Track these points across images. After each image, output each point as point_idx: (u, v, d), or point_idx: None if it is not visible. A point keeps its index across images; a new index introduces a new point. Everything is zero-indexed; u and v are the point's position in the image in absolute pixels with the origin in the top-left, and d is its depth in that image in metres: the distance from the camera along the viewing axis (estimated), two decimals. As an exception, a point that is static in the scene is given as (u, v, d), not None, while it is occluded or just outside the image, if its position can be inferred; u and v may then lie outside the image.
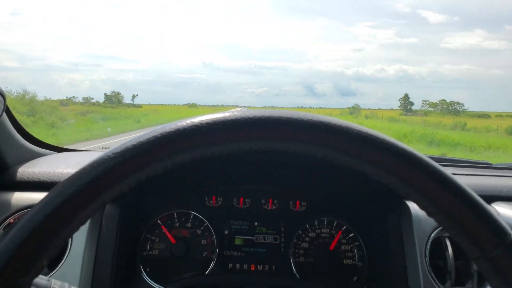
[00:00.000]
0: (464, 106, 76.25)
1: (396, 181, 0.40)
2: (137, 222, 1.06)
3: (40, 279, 0.45)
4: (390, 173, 0.40)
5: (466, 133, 22.30)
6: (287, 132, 0.40)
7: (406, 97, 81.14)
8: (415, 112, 72.20)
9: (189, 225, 1.08)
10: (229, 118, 0.40)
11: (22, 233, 0.36)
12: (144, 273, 1.04)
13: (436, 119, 34.23)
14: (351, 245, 1.07)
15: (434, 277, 0.87)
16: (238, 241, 1.08)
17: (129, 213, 0.99)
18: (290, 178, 1.08)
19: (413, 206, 0.93)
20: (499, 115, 76.88)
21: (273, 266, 1.07)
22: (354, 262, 1.06)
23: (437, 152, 11.86)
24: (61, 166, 1.06)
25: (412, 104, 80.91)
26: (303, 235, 1.08)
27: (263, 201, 1.11)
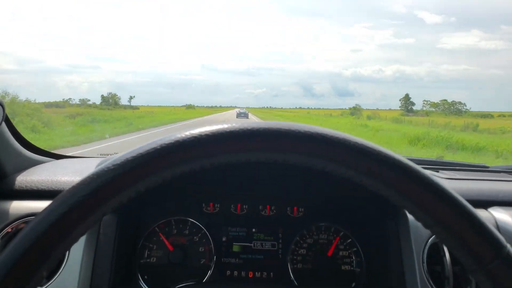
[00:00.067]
0: (466, 106, 74.95)
1: (393, 194, 0.41)
2: (135, 230, 1.04)
3: None
4: (387, 186, 0.40)
5: (481, 135, 20.90)
6: (286, 144, 0.40)
7: (407, 97, 79.96)
8: (416, 112, 71.03)
9: (187, 232, 1.07)
10: (228, 130, 0.40)
11: (24, 243, 0.36)
12: (141, 280, 1.03)
13: (444, 120, 32.80)
14: (349, 251, 1.06)
15: (432, 283, 0.88)
16: (236, 248, 1.07)
17: (127, 221, 0.98)
18: (288, 183, 1.08)
19: None
20: (501, 115, 75.94)
21: (271, 273, 1.06)
22: (352, 268, 1.05)
23: (457, 158, 10.62)
24: (59, 174, 1.05)
25: (413, 104, 79.80)
26: (301, 241, 1.07)
27: (260, 207, 1.11)
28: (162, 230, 1.06)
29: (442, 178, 1.15)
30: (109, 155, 1.37)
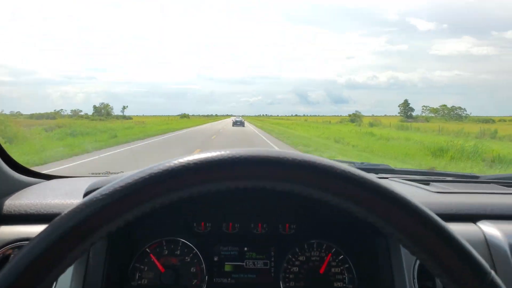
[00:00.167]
0: (466, 111, 73.26)
1: (380, 221, 0.41)
2: (125, 252, 1.03)
3: None
4: (373, 213, 0.41)
5: (506, 143, 18.72)
6: (273, 172, 0.40)
7: (406, 103, 78.30)
8: (415, 118, 69.23)
9: (178, 252, 1.06)
10: (217, 158, 0.40)
11: (10, 276, 0.36)
12: None
13: (455, 126, 30.64)
14: (341, 268, 1.06)
15: None
16: (228, 267, 1.06)
17: (117, 244, 0.97)
18: (279, 201, 1.07)
19: None
20: (502, 120, 74.44)
21: None
22: (344, 285, 1.05)
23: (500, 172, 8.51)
24: (49, 197, 1.03)
25: (412, 110, 78.05)
26: (293, 259, 1.07)
27: (252, 225, 1.10)
28: (153, 251, 1.04)
29: (432, 192, 1.13)
30: (101, 174, 1.39)
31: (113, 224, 0.40)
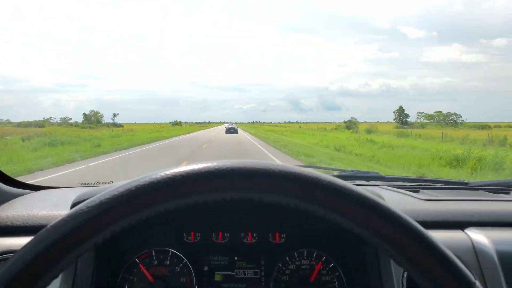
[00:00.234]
0: (461, 117, 72.61)
1: (364, 232, 0.42)
2: (114, 262, 1.02)
3: None
4: (357, 224, 0.42)
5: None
6: (259, 184, 0.41)
7: (401, 109, 77.47)
8: (411, 125, 68.41)
9: (168, 262, 1.05)
10: (202, 170, 0.40)
11: None
12: None
13: (461, 133, 29.37)
14: (331, 276, 1.06)
15: None
16: (218, 277, 1.05)
17: (106, 254, 0.97)
18: (268, 210, 1.06)
19: None
20: (497, 125, 74.03)
21: None
22: None
23: None
24: (36, 208, 1.02)
25: (407, 116, 77.26)
26: (283, 268, 1.06)
27: (242, 234, 1.09)
28: (143, 261, 1.03)
29: (421, 200, 1.13)
30: (90, 184, 1.37)
31: (99, 236, 0.39)
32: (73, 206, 0.86)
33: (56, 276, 0.39)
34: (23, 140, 20.37)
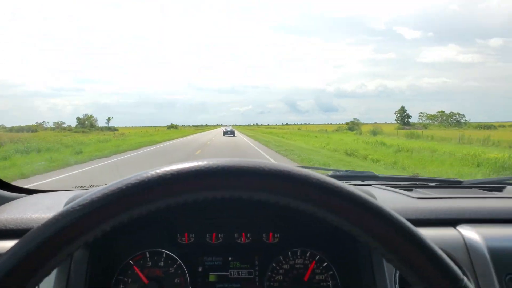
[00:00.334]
0: (465, 117, 70.62)
1: (355, 229, 0.42)
2: (108, 264, 1.02)
3: None
4: (348, 222, 0.42)
5: None
6: (249, 182, 0.41)
7: (402, 109, 75.49)
8: (413, 125, 66.40)
9: (162, 264, 1.04)
10: (193, 169, 0.41)
11: None
12: None
13: (481, 134, 27.12)
14: (325, 275, 1.06)
15: None
16: (212, 277, 1.05)
17: (99, 256, 0.97)
18: (262, 210, 1.07)
19: None
20: (501, 125, 72.29)
21: None
22: None
23: None
24: (29, 211, 1.02)
25: (409, 117, 75.25)
26: (277, 268, 1.07)
27: (236, 235, 1.09)
28: (137, 263, 1.03)
29: (413, 198, 1.14)
30: (84, 187, 1.35)
31: (90, 234, 0.40)
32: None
33: (48, 274, 0.39)
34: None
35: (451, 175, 10.12)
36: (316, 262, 1.06)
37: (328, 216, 0.42)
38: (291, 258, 1.07)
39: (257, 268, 1.06)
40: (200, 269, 1.05)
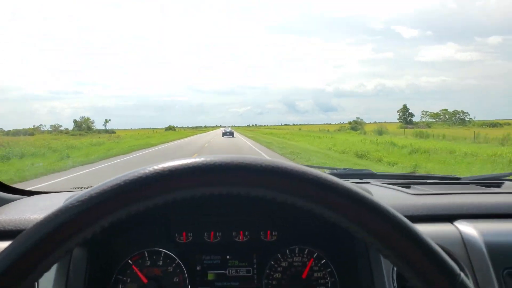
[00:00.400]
0: (469, 115, 69.20)
1: (351, 225, 0.42)
2: (107, 263, 1.03)
3: None
4: (345, 218, 0.42)
5: None
6: (246, 178, 0.41)
7: (405, 108, 74.11)
8: (416, 124, 65.02)
9: (161, 263, 1.05)
10: (191, 165, 0.41)
11: None
12: None
13: (498, 132, 25.64)
14: (323, 272, 1.06)
15: None
16: (210, 276, 1.06)
17: (98, 255, 0.98)
18: (259, 208, 1.08)
19: None
20: (507, 123, 71.02)
21: None
22: None
23: None
24: (28, 212, 1.02)
25: (412, 115, 73.86)
26: (276, 265, 1.07)
27: (234, 233, 1.10)
28: (136, 262, 1.04)
29: (410, 194, 1.13)
30: (83, 188, 1.36)
31: (89, 230, 0.40)
32: None
33: (47, 270, 0.40)
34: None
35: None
36: (314, 259, 1.06)
37: (325, 212, 0.42)
38: (289, 256, 1.07)
39: (255, 266, 1.06)
40: (198, 268, 1.05)
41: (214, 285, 1.04)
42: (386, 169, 11.80)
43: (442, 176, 1.50)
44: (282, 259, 1.06)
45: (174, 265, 1.03)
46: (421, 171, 10.59)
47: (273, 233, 1.09)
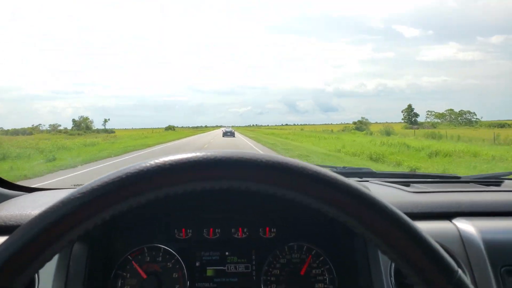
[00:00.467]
0: (476, 115, 67.62)
1: (350, 220, 0.43)
2: (107, 259, 1.04)
3: None
4: (343, 213, 0.42)
5: None
6: (247, 173, 0.42)
7: (409, 108, 72.51)
8: (421, 124, 63.49)
9: (160, 259, 1.06)
10: (191, 159, 0.42)
11: None
12: None
13: (508, 133, 24.11)
14: (322, 269, 1.07)
15: None
16: (209, 272, 1.07)
17: (98, 251, 0.99)
18: (258, 205, 1.08)
19: None
20: (513, 124, 69.44)
21: None
22: (325, 286, 1.06)
23: None
24: (28, 208, 1.03)
25: (416, 115, 72.29)
26: (274, 262, 1.07)
27: (233, 230, 1.10)
28: (135, 258, 1.05)
29: (409, 192, 1.13)
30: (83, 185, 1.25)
31: (90, 222, 0.40)
32: None
33: (48, 259, 0.40)
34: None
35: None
36: (312, 256, 1.07)
37: (323, 207, 0.42)
38: (287, 253, 1.07)
39: (254, 263, 1.07)
40: (197, 264, 1.06)
41: (213, 281, 1.05)
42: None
43: (442, 175, 1.53)
44: (280, 256, 1.07)
45: (173, 261, 1.05)
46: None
47: (272, 230, 1.10)
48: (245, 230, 1.09)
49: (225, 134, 42.06)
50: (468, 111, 67.96)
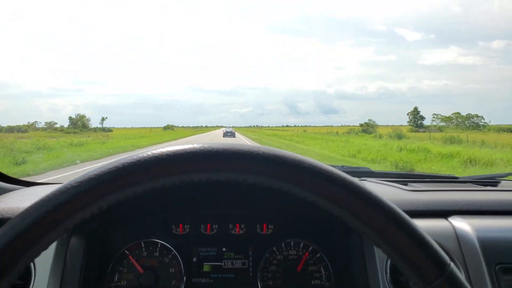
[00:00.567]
0: (483, 119, 65.44)
1: (345, 214, 0.43)
2: (104, 253, 1.04)
3: None
4: (338, 206, 0.43)
5: None
6: (244, 164, 0.42)
7: (415, 110, 70.34)
8: (427, 128, 61.34)
9: (157, 254, 1.06)
10: (188, 150, 0.42)
11: None
12: None
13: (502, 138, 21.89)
14: (318, 266, 1.07)
15: None
16: (206, 268, 1.07)
17: (95, 245, 0.99)
18: (256, 201, 1.09)
19: None
20: (523, 128, 67.30)
21: None
22: (321, 283, 1.06)
23: None
24: (26, 202, 1.05)
25: (423, 118, 70.10)
26: (271, 258, 1.08)
27: (230, 226, 1.11)
28: (132, 252, 1.05)
29: (407, 191, 1.14)
30: None
31: (87, 211, 0.41)
32: None
33: (45, 248, 0.40)
34: None
35: None
36: (309, 253, 1.07)
37: (319, 200, 0.43)
38: (284, 249, 1.08)
39: (250, 259, 1.07)
40: (194, 259, 1.06)
41: (209, 277, 1.05)
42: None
43: (440, 175, 1.54)
44: (277, 252, 1.08)
45: (170, 256, 1.05)
46: None
47: (269, 227, 1.10)
48: (242, 226, 1.10)
49: (225, 134, 42.22)
50: (475, 114, 65.88)
